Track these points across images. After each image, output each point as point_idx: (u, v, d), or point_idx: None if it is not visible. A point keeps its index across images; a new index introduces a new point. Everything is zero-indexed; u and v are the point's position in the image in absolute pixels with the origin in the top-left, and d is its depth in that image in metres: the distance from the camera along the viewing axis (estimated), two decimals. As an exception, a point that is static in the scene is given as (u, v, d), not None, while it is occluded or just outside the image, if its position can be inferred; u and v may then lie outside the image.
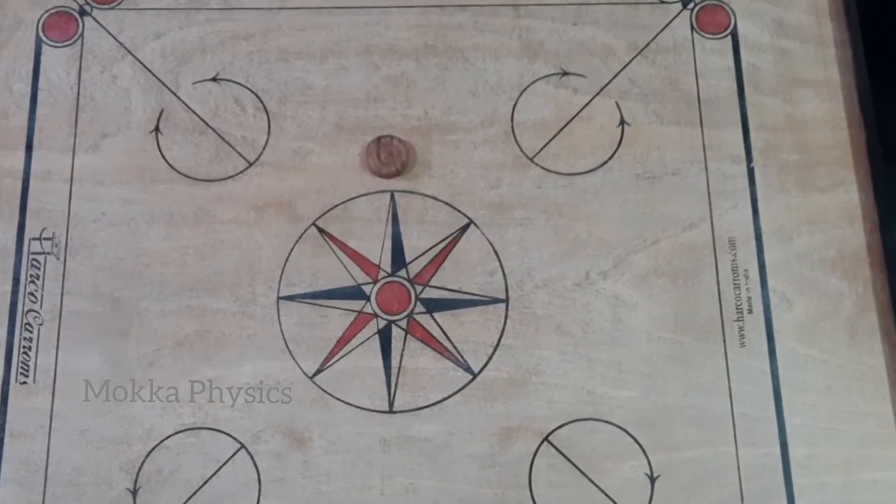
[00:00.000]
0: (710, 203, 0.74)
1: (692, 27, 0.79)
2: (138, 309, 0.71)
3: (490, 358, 0.70)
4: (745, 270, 0.73)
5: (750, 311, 0.72)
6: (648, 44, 0.78)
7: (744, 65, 0.78)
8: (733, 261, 0.73)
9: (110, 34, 0.78)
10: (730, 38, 0.79)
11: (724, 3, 0.81)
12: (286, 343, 0.70)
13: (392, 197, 0.73)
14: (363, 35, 0.78)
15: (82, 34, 0.78)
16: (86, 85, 0.76)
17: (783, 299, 0.72)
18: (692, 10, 0.79)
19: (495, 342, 0.70)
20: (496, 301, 0.71)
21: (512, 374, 0.70)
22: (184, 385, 0.70)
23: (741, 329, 0.71)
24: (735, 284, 0.72)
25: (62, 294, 0.71)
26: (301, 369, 0.70)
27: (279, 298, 0.71)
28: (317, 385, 0.70)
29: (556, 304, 0.71)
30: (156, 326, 0.70)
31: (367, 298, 0.71)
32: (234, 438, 0.68)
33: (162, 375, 0.70)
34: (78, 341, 0.70)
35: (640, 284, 0.72)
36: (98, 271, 0.71)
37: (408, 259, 0.72)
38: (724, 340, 0.71)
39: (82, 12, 0.78)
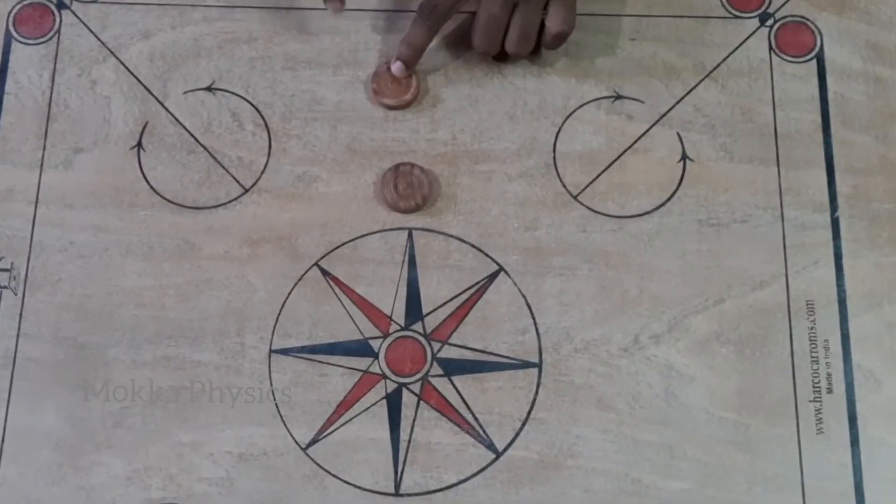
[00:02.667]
0: (785, 258, 0.67)
1: (770, 47, 0.73)
2: (106, 358, 0.65)
3: (517, 434, 0.64)
4: (826, 341, 0.66)
5: (829, 391, 0.65)
6: (718, 65, 0.72)
7: (830, 94, 0.71)
8: (811, 329, 0.66)
9: (91, 31, 0.72)
10: (815, 61, 0.72)
11: (809, 20, 0.74)
12: (277, 406, 0.64)
13: (410, 236, 0.68)
14: (384, 43, 0.72)
15: (59, 30, 0.72)
16: (60, 90, 0.70)
17: (870, 378, 0.65)
18: (771, 27, 0.73)
19: (524, 415, 0.64)
20: (527, 365, 0.65)
21: (543, 454, 0.63)
22: (155, 451, 0.63)
23: (818, 412, 0.65)
24: (812, 358, 0.66)
25: (17, 336, 0.65)
26: (293, 438, 0.64)
27: (271, 352, 0.65)
28: (311, 458, 0.64)
29: (598, 371, 0.65)
30: (125, 379, 0.64)
31: (375, 356, 0.65)
32: (211, 519, 0.63)
33: (129, 438, 0.63)
34: (32, 394, 0.64)
35: (698, 353, 0.65)
36: (61, 311, 0.65)
37: (425, 311, 0.66)
38: (798, 425, 0.64)
39: (60, 5, 0.73)
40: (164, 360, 0.65)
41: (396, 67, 0.69)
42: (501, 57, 0.71)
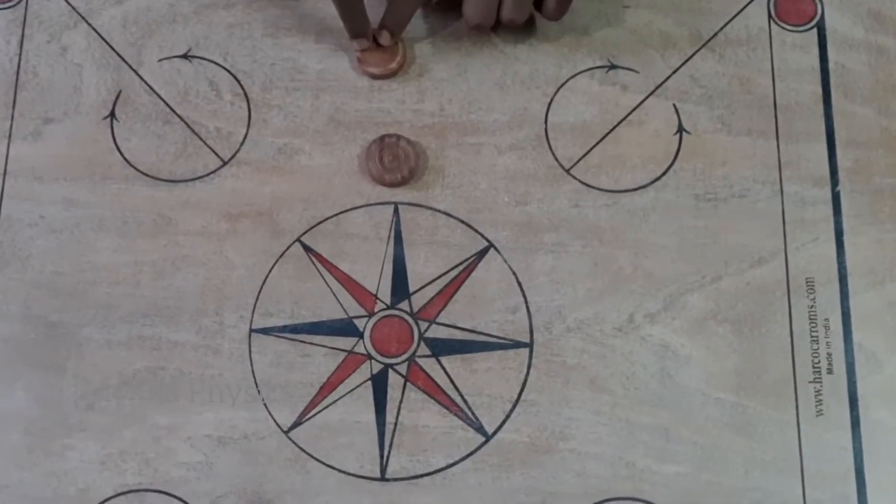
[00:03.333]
0: (784, 234, 0.66)
1: (770, 16, 0.70)
2: (78, 337, 0.63)
3: (508, 416, 0.62)
4: (826, 320, 0.64)
5: (829, 372, 0.63)
6: (716, 34, 0.70)
7: (831, 65, 0.69)
8: (811, 307, 0.64)
9: None
10: (815, 31, 0.70)
11: None
12: (258, 387, 0.62)
13: (396, 210, 0.66)
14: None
15: None
16: (28, 57, 0.68)
17: (871, 358, 0.63)
18: None
19: (515, 397, 0.62)
20: (518, 345, 0.63)
21: (534, 437, 0.62)
22: (129, 434, 0.61)
23: (818, 393, 0.63)
24: (812, 337, 0.64)
25: (-15, 315, 0.64)
26: (275, 421, 0.62)
27: (252, 331, 0.63)
28: (293, 441, 0.62)
29: (591, 352, 0.63)
30: (99, 360, 0.62)
31: (360, 335, 0.63)
32: (189, 504, 0.61)
33: (103, 421, 0.61)
34: (1, 375, 0.62)
35: (695, 332, 0.63)
36: (31, 288, 0.63)
37: (411, 288, 0.64)
38: (797, 407, 0.63)
39: None
40: (140, 339, 0.63)
41: (385, 37, 0.67)
42: (493, 27, 0.68)
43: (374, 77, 0.68)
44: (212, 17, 0.69)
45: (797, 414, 0.62)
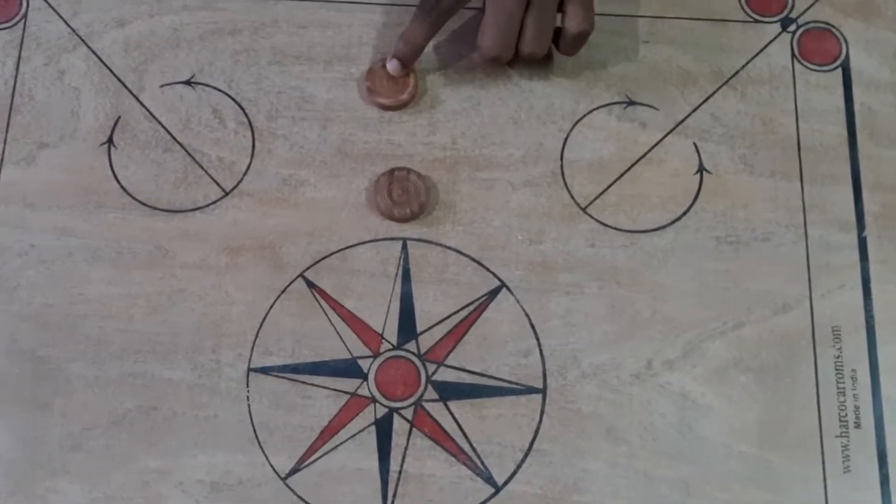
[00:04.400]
0: (809, 280, 0.64)
1: (793, 54, 0.69)
2: (67, 374, 0.60)
3: (519, 466, 0.60)
4: (853, 371, 0.62)
5: (857, 426, 0.61)
6: (738, 72, 0.68)
7: (857, 106, 0.67)
8: (837, 357, 0.62)
9: (61, 17, 0.68)
10: (840, 71, 0.69)
11: (834, 27, 0.70)
12: (255, 430, 0.60)
13: (404, 246, 0.64)
14: (379, 38, 0.68)
15: (25, 15, 0.68)
16: (25, 79, 0.66)
17: None
18: (794, 32, 0.69)
19: (526, 446, 0.60)
20: (530, 391, 0.61)
21: (546, 489, 0.59)
22: (118, 478, 0.58)
23: (845, 448, 0.60)
24: (839, 389, 0.61)
25: (-32, 348, 0.61)
26: (272, 466, 0.59)
27: (250, 370, 0.61)
28: (291, 489, 0.59)
29: (607, 399, 0.61)
30: (87, 398, 0.60)
31: (364, 377, 0.61)
32: (178, 555, 0.58)
33: (89, 464, 0.59)
34: None
35: (716, 381, 0.61)
36: (18, 321, 0.61)
37: (419, 329, 0.62)
38: (824, 462, 0.60)
39: None
40: (131, 377, 0.60)
41: (393, 65, 0.65)
42: (509, 61, 0.66)
43: (384, 108, 0.66)
44: (217, 43, 0.68)
45: (823, 470, 0.60)
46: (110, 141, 0.65)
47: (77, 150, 0.65)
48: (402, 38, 0.64)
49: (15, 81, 0.66)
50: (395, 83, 0.65)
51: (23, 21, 0.68)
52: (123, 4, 0.68)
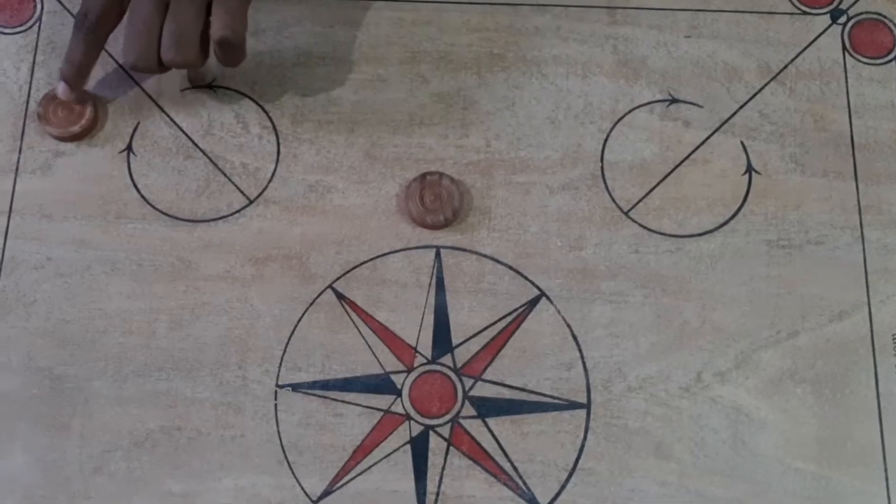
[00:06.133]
0: (867, 285, 0.62)
1: (844, 47, 0.67)
2: (86, 393, 0.59)
3: (563, 486, 0.58)
4: None
5: None
6: (786, 67, 0.66)
7: None
8: None
9: None
10: (894, 63, 0.67)
11: (886, 18, 0.68)
12: (284, 451, 0.58)
13: (438, 255, 0.62)
14: (408, 38, 0.67)
15: (40, 18, 0.67)
16: (40, 85, 0.65)
17: None
18: (844, 24, 0.67)
19: (571, 464, 0.58)
20: (574, 406, 0.59)
21: None
22: (140, 502, 0.57)
23: None
24: None
25: (-17, 367, 0.60)
26: (302, 489, 0.57)
27: (278, 387, 0.59)
28: None
29: (655, 414, 0.59)
30: (108, 418, 0.59)
31: (398, 393, 0.59)
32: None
33: (110, 488, 0.57)
34: None
35: (770, 393, 0.59)
36: (35, 338, 0.60)
37: (455, 341, 0.60)
38: (887, 479, 0.58)
39: None
40: (154, 396, 0.59)
41: (60, 89, 0.62)
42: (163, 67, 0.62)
43: (57, 139, 0.63)
44: None
45: (887, 487, 0.58)
46: (129, 148, 0.64)
47: (95, 158, 0.64)
48: (65, 58, 0.61)
49: (30, 87, 0.65)
50: (70, 112, 0.63)
51: (37, 24, 0.67)
52: (141, 5, 0.67)
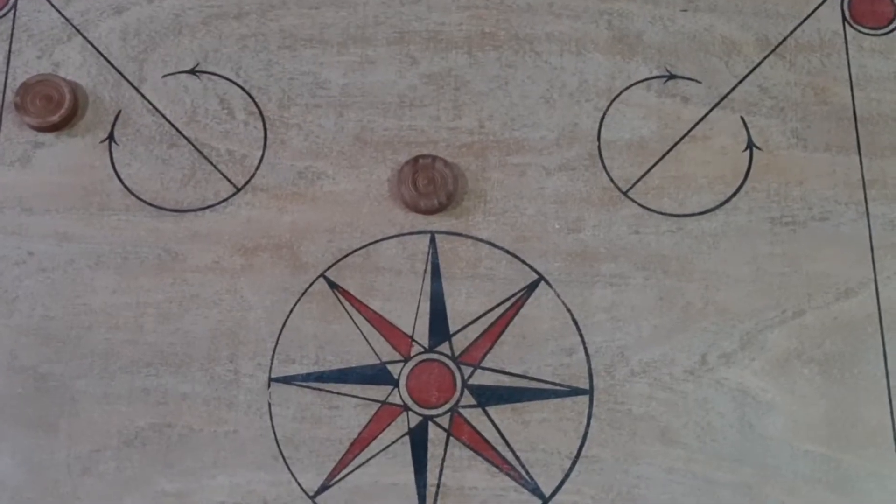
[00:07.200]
0: (873, 261, 0.62)
1: (844, 18, 0.67)
2: (72, 391, 0.59)
3: (567, 475, 0.58)
4: None
5: None
6: (785, 39, 0.66)
7: None
8: None
9: (53, 6, 0.67)
10: None
11: None
12: (279, 446, 0.58)
13: (432, 240, 0.62)
14: (396, 17, 0.67)
15: (14, 5, 0.68)
16: (16, 74, 0.66)
17: None
18: None
19: (574, 452, 0.58)
20: (576, 392, 0.59)
21: (598, 499, 0.57)
22: (131, 503, 0.57)
23: None
24: None
25: (-35, 367, 0.59)
26: (298, 484, 0.57)
27: (271, 380, 0.59)
28: None
29: (660, 398, 0.59)
30: (96, 417, 0.59)
31: (395, 383, 0.59)
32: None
33: (100, 488, 0.58)
34: None
35: (777, 374, 0.59)
36: (18, 335, 0.60)
37: (452, 329, 0.60)
38: None
39: None
40: (143, 392, 0.59)
41: None
42: None
43: (35, 129, 0.63)
44: (222, 28, 0.67)
45: None
46: (111, 137, 0.64)
47: (75, 148, 0.64)
48: None
49: (6, 76, 0.65)
50: (49, 101, 0.62)
51: (12, 12, 0.67)
52: (120, -10, 0.67)
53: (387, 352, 0.59)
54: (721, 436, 0.58)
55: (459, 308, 0.60)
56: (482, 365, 0.59)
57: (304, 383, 0.59)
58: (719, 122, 0.64)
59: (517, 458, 0.57)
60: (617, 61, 0.65)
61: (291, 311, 0.60)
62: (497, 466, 0.57)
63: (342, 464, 0.57)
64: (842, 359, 0.60)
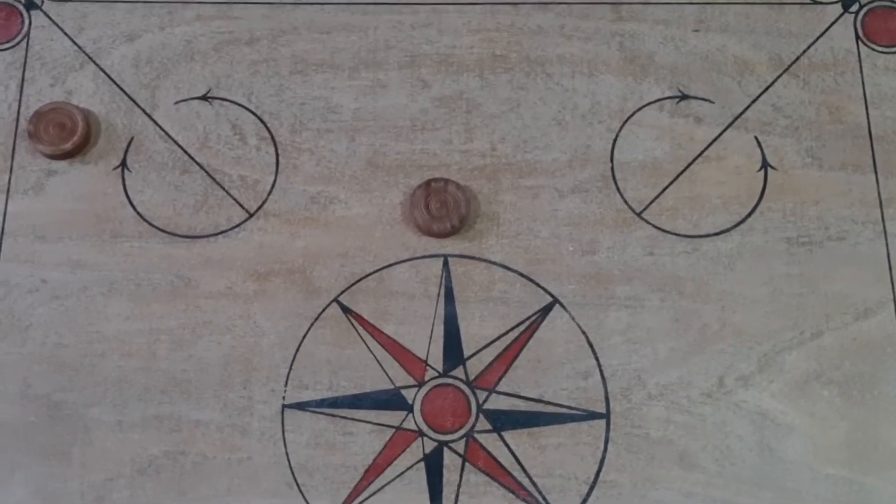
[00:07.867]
0: (892, 281, 0.61)
1: (857, 36, 0.67)
2: (85, 419, 0.59)
3: (585, 500, 0.57)
4: None
5: None
6: (798, 58, 0.67)
7: None
8: None
9: (66, 34, 0.68)
10: None
11: None
12: (293, 473, 0.58)
13: (445, 264, 0.62)
14: (407, 41, 0.67)
15: (28, 34, 0.68)
16: (30, 102, 0.66)
17: None
18: (857, 13, 0.68)
19: (592, 477, 0.57)
20: (593, 416, 0.59)
21: None
22: None
23: None
24: None
25: (-21, 396, 0.59)
26: None
27: (285, 407, 0.59)
28: None
29: (677, 422, 0.58)
30: (109, 445, 0.58)
31: (410, 409, 0.59)
32: None
33: None
34: None
35: (796, 396, 0.59)
36: (32, 364, 0.60)
37: (466, 353, 0.60)
38: None
39: (29, 5, 0.69)
40: (156, 420, 0.59)
41: None
42: None
43: (48, 157, 0.63)
44: (233, 55, 0.67)
45: None
46: (124, 164, 0.64)
47: (88, 175, 0.64)
48: None
49: (19, 105, 0.65)
50: (62, 129, 0.63)
51: (25, 40, 0.67)
52: (132, 17, 0.68)
53: (401, 377, 0.59)
54: (740, 459, 0.57)
55: (473, 332, 0.60)
56: (497, 389, 0.59)
57: (318, 409, 0.59)
58: (733, 142, 0.64)
59: (534, 483, 0.57)
60: (629, 82, 0.66)
61: (305, 337, 0.60)
62: (513, 492, 0.57)
63: (357, 491, 0.57)
64: (862, 380, 0.59)
